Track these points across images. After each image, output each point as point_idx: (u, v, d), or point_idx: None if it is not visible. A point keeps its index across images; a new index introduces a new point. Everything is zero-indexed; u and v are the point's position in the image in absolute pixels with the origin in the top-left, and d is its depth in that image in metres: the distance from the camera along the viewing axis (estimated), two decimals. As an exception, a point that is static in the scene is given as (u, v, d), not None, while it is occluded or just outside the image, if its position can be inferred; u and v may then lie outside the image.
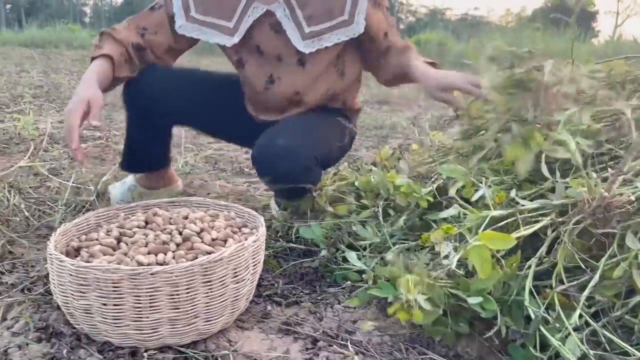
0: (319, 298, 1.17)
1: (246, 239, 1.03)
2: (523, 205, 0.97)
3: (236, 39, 1.35)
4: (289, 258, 1.37)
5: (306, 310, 1.11)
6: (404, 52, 1.43)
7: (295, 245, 1.36)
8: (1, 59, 9.29)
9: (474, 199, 1.03)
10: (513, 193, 1.03)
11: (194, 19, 1.36)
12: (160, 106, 1.40)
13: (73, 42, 15.47)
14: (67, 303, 0.91)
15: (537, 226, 0.93)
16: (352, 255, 1.09)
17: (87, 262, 0.94)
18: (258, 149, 1.31)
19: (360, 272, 1.14)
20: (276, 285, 1.22)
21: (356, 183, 1.33)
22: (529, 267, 0.90)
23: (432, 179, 1.25)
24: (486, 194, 1.01)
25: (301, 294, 1.19)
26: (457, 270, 0.92)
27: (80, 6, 50.87)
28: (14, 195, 1.65)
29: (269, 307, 1.12)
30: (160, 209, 1.14)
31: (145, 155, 1.58)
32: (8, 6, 43.99)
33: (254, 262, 1.00)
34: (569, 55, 1.07)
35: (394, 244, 1.16)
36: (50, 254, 0.91)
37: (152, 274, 0.85)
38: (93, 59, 1.29)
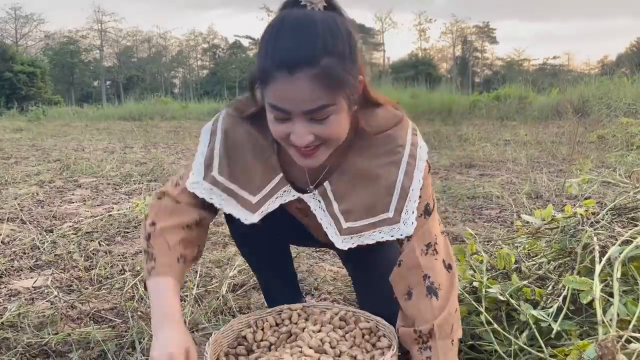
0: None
1: (379, 350, 1.09)
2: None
3: (256, 218, 1.16)
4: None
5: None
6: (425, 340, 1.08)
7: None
8: (106, 134, 10.24)
9: (607, 318, 1.03)
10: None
11: (215, 181, 1.17)
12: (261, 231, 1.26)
13: (166, 113, 16.75)
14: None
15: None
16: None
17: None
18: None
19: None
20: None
21: (477, 286, 1.35)
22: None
23: (553, 285, 1.25)
24: (619, 311, 1.00)
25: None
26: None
27: (171, 79, 55.15)
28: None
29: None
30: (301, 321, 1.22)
31: (281, 290, 1.53)
32: (108, 82, 48.59)
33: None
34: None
35: (521, 351, 1.16)
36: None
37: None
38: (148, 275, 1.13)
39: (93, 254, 2.40)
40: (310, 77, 0.92)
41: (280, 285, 1.53)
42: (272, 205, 1.17)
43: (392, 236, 1.12)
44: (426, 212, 1.13)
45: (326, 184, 1.16)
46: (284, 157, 1.15)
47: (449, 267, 1.12)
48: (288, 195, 1.17)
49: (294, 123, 0.97)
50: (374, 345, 1.15)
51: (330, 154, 1.06)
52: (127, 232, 2.82)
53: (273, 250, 1.46)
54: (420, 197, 1.11)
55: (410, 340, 1.09)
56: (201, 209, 1.19)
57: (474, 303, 1.29)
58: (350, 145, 1.12)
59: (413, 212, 1.11)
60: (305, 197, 1.17)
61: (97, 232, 2.79)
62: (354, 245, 1.14)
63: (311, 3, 0.96)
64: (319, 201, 1.17)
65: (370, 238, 1.13)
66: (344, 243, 1.15)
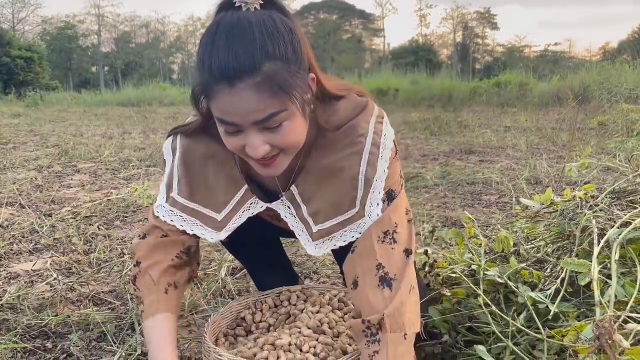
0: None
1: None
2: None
3: (223, 236, 1.12)
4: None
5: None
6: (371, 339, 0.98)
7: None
8: (105, 120, 10.21)
9: (605, 299, 1.03)
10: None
11: (174, 202, 1.12)
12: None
13: (164, 99, 16.68)
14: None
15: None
16: (481, 349, 1.11)
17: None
18: None
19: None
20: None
21: (475, 268, 1.35)
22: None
23: (551, 268, 1.25)
24: (617, 292, 1.00)
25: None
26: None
27: (169, 65, 54.83)
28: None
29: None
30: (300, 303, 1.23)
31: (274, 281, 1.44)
32: (106, 68, 48.30)
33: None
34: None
35: (519, 332, 1.17)
36: (209, 347, 1.02)
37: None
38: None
39: (92, 238, 2.40)
40: (253, 87, 0.85)
41: (272, 277, 1.47)
42: (239, 220, 1.11)
43: (360, 233, 1.04)
44: (389, 198, 1.05)
45: (293, 187, 1.10)
46: (250, 166, 1.04)
47: (407, 253, 1.03)
48: (255, 207, 1.12)
49: (247, 135, 0.91)
50: (372, 326, 1.15)
51: (298, 155, 1.01)
52: (126, 217, 2.83)
53: (260, 249, 1.42)
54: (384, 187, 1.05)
55: (358, 332, 0.99)
56: (187, 236, 1.13)
57: (472, 286, 1.29)
58: (313, 144, 1.06)
59: (378, 205, 1.03)
60: (274, 205, 1.12)
61: (96, 216, 2.79)
62: (328, 250, 1.08)
63: (246, 4, 0.89)
64: (289, 207, 1.11)
65: (341, 239, 1.06)
66: (317, 249, 1.09)
